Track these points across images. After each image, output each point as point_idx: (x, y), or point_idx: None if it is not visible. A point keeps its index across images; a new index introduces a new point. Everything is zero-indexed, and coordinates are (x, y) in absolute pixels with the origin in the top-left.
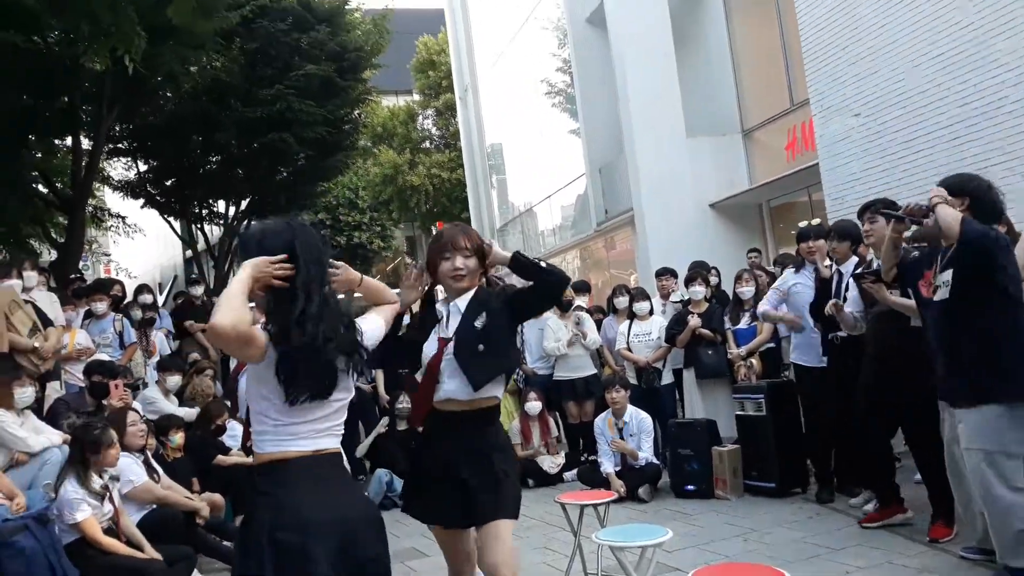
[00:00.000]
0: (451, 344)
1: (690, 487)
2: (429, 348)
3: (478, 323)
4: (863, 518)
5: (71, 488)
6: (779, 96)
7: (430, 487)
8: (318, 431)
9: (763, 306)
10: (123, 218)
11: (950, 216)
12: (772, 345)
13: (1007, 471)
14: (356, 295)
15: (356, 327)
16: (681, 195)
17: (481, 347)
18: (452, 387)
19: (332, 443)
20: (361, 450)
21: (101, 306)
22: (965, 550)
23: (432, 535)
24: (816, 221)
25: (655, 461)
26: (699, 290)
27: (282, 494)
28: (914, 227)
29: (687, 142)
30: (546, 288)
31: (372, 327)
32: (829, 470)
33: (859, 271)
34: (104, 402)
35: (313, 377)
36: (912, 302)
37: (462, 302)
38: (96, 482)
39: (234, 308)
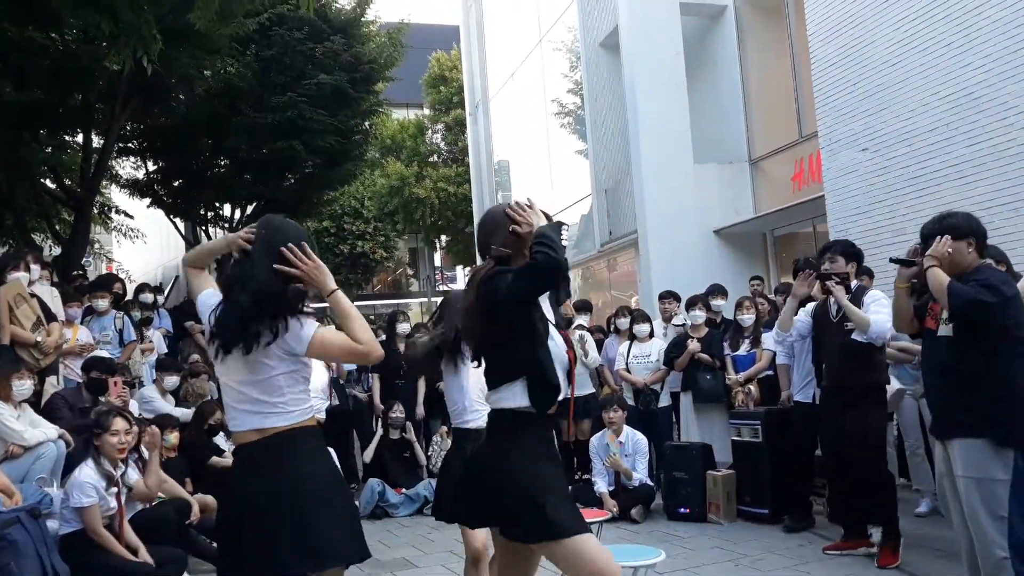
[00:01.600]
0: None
1: (683, 510)
2: (559, 347)
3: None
4: (826, 546)
5: (87, 472)
6: (788, 127)
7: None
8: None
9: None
10: (130, 216)
11: (938, 284)
12: (770, 373)
13: (992, 498)
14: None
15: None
16: (686, 220)
17: None
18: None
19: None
20: (368, 455)
21: (102, 303)
22: None
23: (420, 546)
24: (812, 257)
25: (649, 483)
26: (699, 315)
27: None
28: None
29: (694, 168)
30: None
31: (315, 332)
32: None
33: (825, 271)
34: (102, 399)
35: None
36: (861, 313)
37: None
38: (107, 467)
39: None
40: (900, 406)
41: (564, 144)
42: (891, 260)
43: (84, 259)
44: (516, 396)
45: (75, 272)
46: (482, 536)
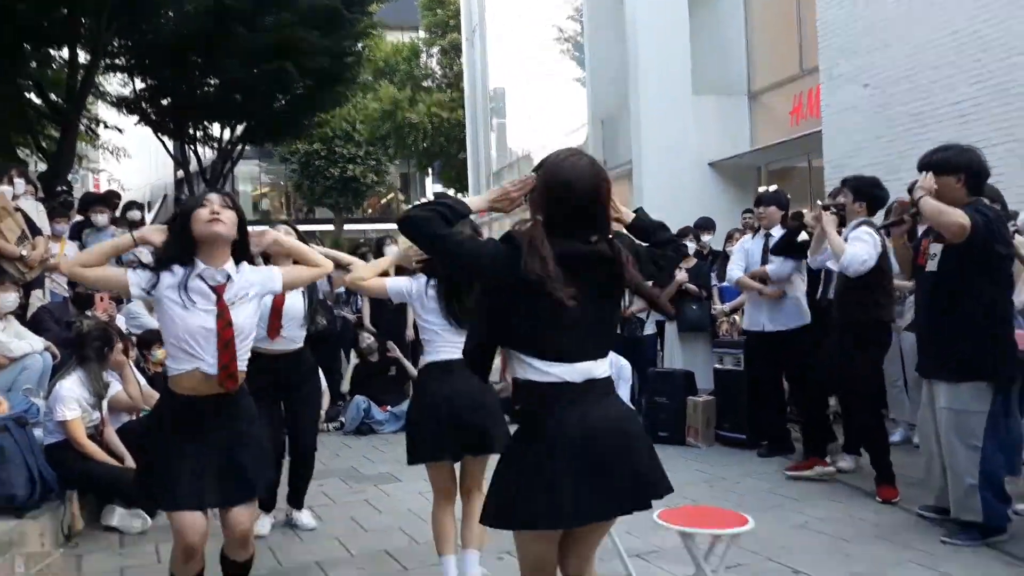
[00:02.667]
0: None
1: (663, 433)
2: None
3: None
4: (788, 466)
5: (67, 387)
6: (789, 61)
7: None
8: None
9: (735, 273)
10: (119, 131)
11: (931, 210)
12: None
13: (967, 428)
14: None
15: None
16: (681, 152)
17: None
18: None
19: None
20: (344, 385)
21: (102, 218)
22: (922, 508)
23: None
24: (773, 187)
25: (631, 407)
26: (689, 246)
27: None
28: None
29: (692, 99)
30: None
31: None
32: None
33: (825, 202)
34: (88, 313)
35: None
36: (839, 241)
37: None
38: (106, 378)
39: None
40: None
41: (562, 72)
42: (880, 229)
43: (71, 175)
44: None
45: (60, 188)
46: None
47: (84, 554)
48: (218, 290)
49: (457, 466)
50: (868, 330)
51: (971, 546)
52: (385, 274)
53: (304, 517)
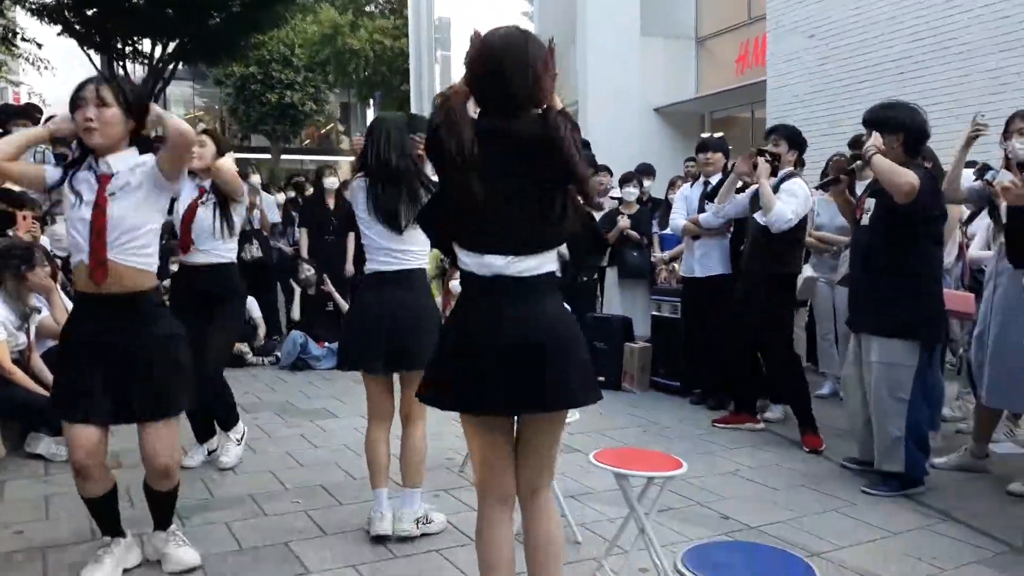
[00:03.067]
0: None
1: (599, 378)
2: None
3: None
4: (715, 418)
5: None
6: (738, 7)
7: None
8: None
9: (678, 221)
10: (38, 44)
11: (880, 169)
12: None
13: (896, 382)
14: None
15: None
16: (628, 95)
17: None
18: None
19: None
20: (295, 312)
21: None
22: (846, 460)
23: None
24: (719, 134)
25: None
26: (632, 191)
27: None
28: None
29: (640, 41)
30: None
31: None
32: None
33: (761, 147)
34: (10, 232)
35: None
36: (771, 195)
37: None
38: (26, 303)
39: None
40: (814, 293)
41: (509, 5)
42: (817, 188)
43: None
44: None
45: None
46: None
47: (7, 480)
48: (102, 180)
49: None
50: (782, 282)
51: (890, 496)
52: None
53: (226, 457)
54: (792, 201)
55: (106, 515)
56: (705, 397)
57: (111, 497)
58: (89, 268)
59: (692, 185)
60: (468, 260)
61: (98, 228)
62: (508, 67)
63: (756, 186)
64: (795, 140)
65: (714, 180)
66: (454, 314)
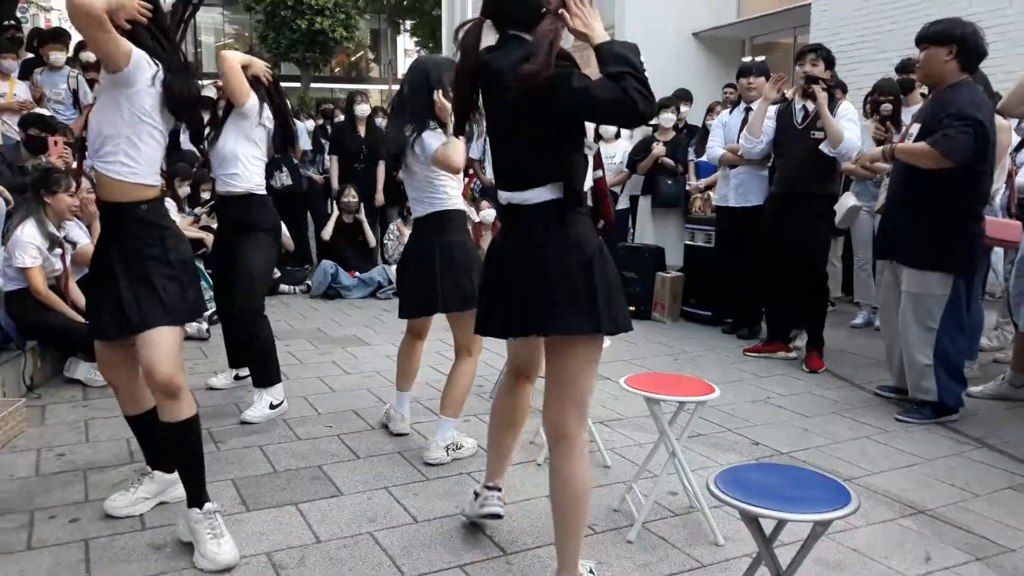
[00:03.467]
0: None
1: (629, 308)
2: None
3: None
4: (747, 347)
5: (28, 232)
6: None
7: None
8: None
9: (716, 151)
10: None
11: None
12: None
13: (925, 310)
14: None
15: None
16: (666, 19)
17: None
18: None
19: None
20: (326, 233)
21: (60, 56)
22: (880, 388)
23: (371, 325)
24: (761, 58)
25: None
26: (669, 117)
27: None
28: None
29: None
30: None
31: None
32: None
33: (811, 75)
34: (43, 158)
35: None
36: (838, 126)
37: None
38: (52, 228)
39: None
40: (855, 222)
41: None
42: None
43: (20, 14)
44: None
45: (6, 22)
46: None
47: (48, 404)
48: (93, 85)
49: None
50: (826, 202)
51: (924, 424)
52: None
53: (251, 411)
54: (854, 127)
55: (141, 438)
56: (737, 326)
57: (146, 420)
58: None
59: (731, 111)
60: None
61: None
62: None
63: (775, 107)
64: (830, 59)
65: (755, 106)
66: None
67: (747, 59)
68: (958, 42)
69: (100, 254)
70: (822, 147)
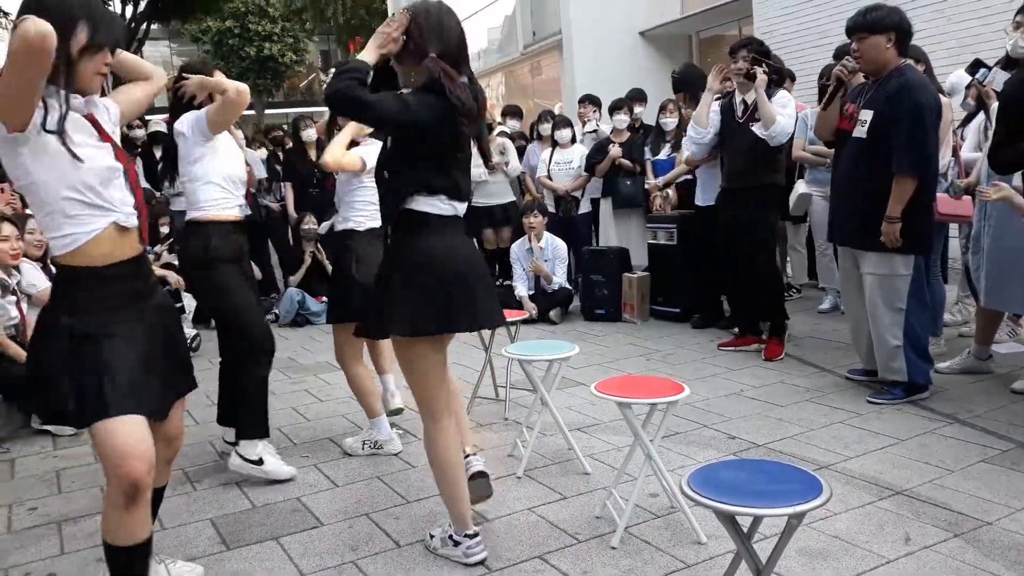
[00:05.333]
0: None
1: (600, 311)
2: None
3: None
4: (721, 342)
5: None
6: None
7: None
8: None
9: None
10: (4, 12)
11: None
12: (689, 177)
13: (892, 291)
14: None
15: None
16: (611, 20)
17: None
18: None
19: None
20: (294, 280)
21: None
22: (850, 372)
23: None
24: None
25: (567, 287)
26: (623, 119)
27: None
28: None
29: None
30: None
31: (125, 98)
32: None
33: (755, 57)
34: None
35: None
36: (772, 108)
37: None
38: (1, 274)
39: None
40: (811, 208)
41: None
42: (823, 106)
43: None
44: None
45: None
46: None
47: (17, 457)
48: (90, 119)
49: None
50: (770, 193)
51: (896, 404)
52: (350, 147)
53: (233, 457)
54: (787, 113)
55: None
56: (708, 321)
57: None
58: (140, 228)
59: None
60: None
61: (134, 177)
62: (457, 34)
63: (719, 101)
64: (764, 53)
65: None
66: (419, 251)
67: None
68: (895, 29)
69: (130, 310)
70: (754, 128)
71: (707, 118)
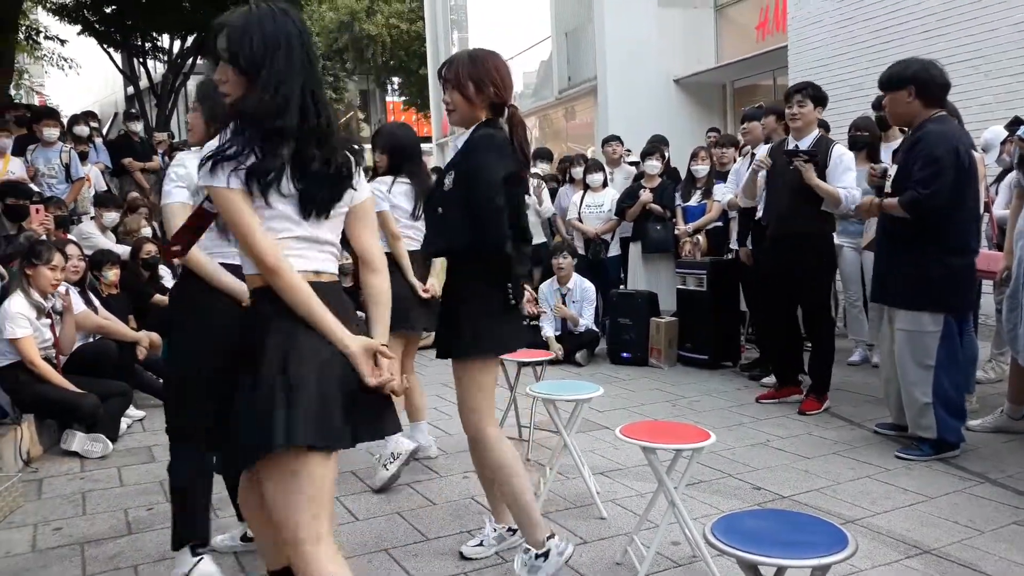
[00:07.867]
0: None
1: (626, 355)
2: None
3: (448, 180)
4: (760, 394)
5: (16, 303)
6: None
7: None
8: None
9: (727, 195)
10: (62, 41)
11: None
12: (719, 224)
13: (921, 348)
14: None
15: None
16: (646, 67)
17: (440, 210)
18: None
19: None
20: None
21: (53, 132)
22: (879, 425)
23: None
24: (759, 105)
25: (594, 328)
26: (654, 164)
27: None
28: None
29: (658, 11)
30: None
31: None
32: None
33: (793, 148)
34: (24, 225)
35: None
36: (832, 188)
37: (461, 140)
38: (38, 298)
39: None
40: (842, 259)
41: None
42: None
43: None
44: None
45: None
46: None
47: (45, 478)
48: None
49: None
50: (822, 242)
51: (925, 460)
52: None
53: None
54: (851, 175)
55: None
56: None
57: None
58: None
59: (742, 157)
60: None
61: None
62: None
63: (767, 147)
64: (818, 97)
65: (759, 150)
66: None
67: (748, 108)
68: (912, 81)
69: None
70: (825, 207)
71: (755, 190)
